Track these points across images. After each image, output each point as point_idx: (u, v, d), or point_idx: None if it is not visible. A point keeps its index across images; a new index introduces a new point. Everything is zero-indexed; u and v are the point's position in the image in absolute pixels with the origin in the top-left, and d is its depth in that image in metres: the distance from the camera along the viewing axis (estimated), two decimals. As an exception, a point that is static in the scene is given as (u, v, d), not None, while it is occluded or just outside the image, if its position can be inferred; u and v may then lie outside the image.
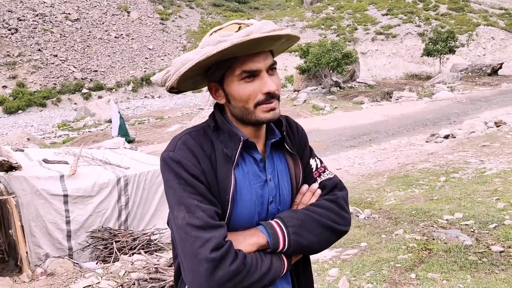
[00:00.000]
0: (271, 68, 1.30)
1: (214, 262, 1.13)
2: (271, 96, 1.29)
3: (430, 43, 36.25)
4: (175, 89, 1.35)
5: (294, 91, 29.98)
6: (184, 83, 1.33)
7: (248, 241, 1.26)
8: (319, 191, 1.44)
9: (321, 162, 1.53)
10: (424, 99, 25.54)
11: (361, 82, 31.31)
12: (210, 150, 1.32)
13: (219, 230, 1.20)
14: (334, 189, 1.46)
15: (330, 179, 1.48)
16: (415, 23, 57.26)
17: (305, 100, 24.30)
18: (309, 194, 1.43)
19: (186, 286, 1.26)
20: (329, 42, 28.65)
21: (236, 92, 1.30)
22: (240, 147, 1.33)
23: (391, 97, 26.72)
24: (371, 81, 32.78)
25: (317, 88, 28.62)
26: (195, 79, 1.36)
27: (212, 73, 1.32)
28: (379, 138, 16.57)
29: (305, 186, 1.45)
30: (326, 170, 1.50)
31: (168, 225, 1.36)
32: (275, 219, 1.34)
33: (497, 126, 15.19)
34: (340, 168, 12.19)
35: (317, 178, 1.47)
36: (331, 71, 27.50)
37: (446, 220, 5.86)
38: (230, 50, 1.19)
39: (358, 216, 6.90)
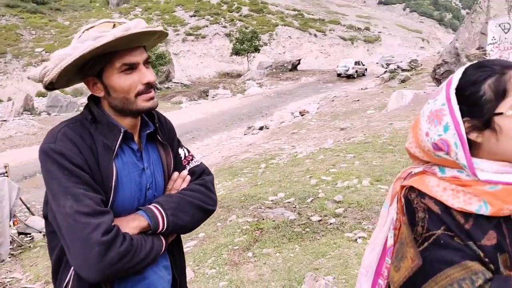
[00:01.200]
0: (147, 62, 1.39)
1: (106, 245, 1.21)
2: (150, 86, 1.39)
3: (237, 43, 38.75)
4: (51, 85, 1.34)
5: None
6: (60, 80, 1.34)
7: (131, 225, 1.35)
8: (188, 177, 1.57)
9: (189, 152, 1.67)
10: (237, 95, 27.22)
11: (177, 82, 31.79)
12: (90, 141, 1.35)
13: (106, 215, 1.27)
14: (202, 174, 1.61)
15: (198, 165, 1.63)
16: (222, 24, 60.42)
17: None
18: (180, 181, 1.55)
19: (70, 274, 1.35)
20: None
21: (117, 84, 1.35)
22: (120, 138, 1.39)
23: (207, 95, 27.76)
24: (187, 81, 33.55)
25: (133, 91, 27.96)
26: (69, 76, 1.37)
27: (89, 67, 1.34)
28: (201, 135, 17.11)
29: (176, 173, 1.57)
30: (193, 158, 1.64)
31: (45, 217, 1.39)
32: (153, 204, 1.44)
33: (302, 115, 17.14)
34: (167, 167, 12.16)
35: (186, 165, 1.60)
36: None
37: (271, 201, 6.40)
38: (112, 44, 1.25)
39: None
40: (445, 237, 1.06)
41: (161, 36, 1.44)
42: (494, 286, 1.01)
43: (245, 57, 39.51)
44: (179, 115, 21.73)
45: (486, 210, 1.04)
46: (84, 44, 1.26)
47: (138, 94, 1.37)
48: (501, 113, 1.07)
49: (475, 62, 1.18)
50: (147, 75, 1.36)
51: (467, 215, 1.06)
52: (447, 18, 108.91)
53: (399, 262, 1.16)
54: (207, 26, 59.84)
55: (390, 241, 1.30)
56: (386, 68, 29.03)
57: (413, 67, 25.54)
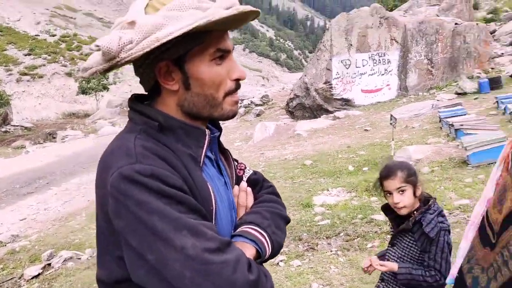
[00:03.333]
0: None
1: (256, 284, 0.93)
2: (238, 86, 1.09)
3: (84, 81, 36.67)
4: (120, 64, 0.97)
5: None
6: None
7: None
8: (250, 189, 1.26)
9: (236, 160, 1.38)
10: (90, 135, 25.54)
11: (17, 125, 28.55)
12: (173, 154, 1.01)
13: (234, 246, 0.97)
14: (264, 181, 1.34)
15: (256, 172, 1.35)
16: (61, 63, 56.66)
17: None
18: (243, 194, 1.24)
19: None
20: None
21: (208, 75, 1.02)
22: (206, 143, 1.07)
23: (54, 138, 25.51)
24: (28, 124, 30.35)
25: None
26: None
27: (168, 49, 0.98)
28: (57, 180, 15.50)
29: (236, 188, 1.25)
30: (246, 166, 1.35)
31: (137, 277, 0.94)
32: (247, 226, 1.12)
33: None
34: (24, 218, 10.74)
35: (243, 176, 1.30)
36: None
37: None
38: (223, 21, 0.96)
39: (80, 258, 6.30)
40: None
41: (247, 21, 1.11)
42: None
43: (93, 96, 37.52)
44: (27, 160, 19.47)
45: None
46: (188, 12, 0.94)
47: (227, 94, 1.05)
48: None
49: None
50: (239, 68, 1.06)
51: None
52: (282, 58, 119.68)
53: (499, 204, 1.35)
54: (44, 65, 55.48)
55: (490, 194, 1.51)
56: (241, 103, 30.40)
57: (265, 102, 27.16)
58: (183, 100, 1.04)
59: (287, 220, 1.26)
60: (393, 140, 8.39)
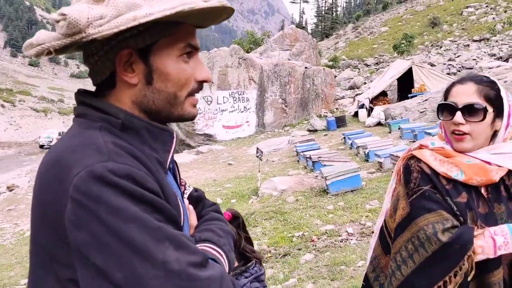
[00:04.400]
0: None
1: None
2: (201, 87, 0.97)
3: None
4: (82, 41, 0.81)
5: None
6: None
7: None
8: (191, 207, 1.12)
9: None
10: None
11: None
12: (142, 155, 0.86)
13: (214, 262, 0.87)
14: (205, 199, 1.21)
15: (197, 190, 1.21)
16: None
17: None
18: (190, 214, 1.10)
19: None
20: None
21: (175, 72, 0.90)
22: (173, 147, 0.94)
23: None
24: None
25: None
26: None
27: (134, 35, 0.85)
28: None
29: (186, 202, 1.11)
30: (185, 181, 1.20)
31: None
32: (205, 244, 0.99)
33: (11, 190, 14.94)
34: None
35: (184, 192, 1.15)
36: None
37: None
38: (201, 11, 0.85)
39: None
40: (430, 192, 1.44)
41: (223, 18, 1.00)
42: (459, 230, 1.37)
43: None
44: None
45: (461, 177, 1.43)
46: None
47: (189, 94, 0.94)
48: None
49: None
50: (205, 69, 0.96)
51: (448, 179, 1.44)
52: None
53: (394, 213, 1.54)
54: None
55: (388, 204, 1.67)
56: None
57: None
58: (141, 96, 0.90)
59: (234, 239, 1.16)
60: (259, 172, 8.70)
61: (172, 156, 0.95)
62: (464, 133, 1.44)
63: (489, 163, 1.44)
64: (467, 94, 1.45)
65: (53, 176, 0.79)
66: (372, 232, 5.64)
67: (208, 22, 0.94)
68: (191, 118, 0.97)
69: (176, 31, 0.88)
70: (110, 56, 0.86)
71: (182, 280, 0.74)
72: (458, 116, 1.44)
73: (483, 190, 1.45)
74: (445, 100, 1.52)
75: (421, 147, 1.56)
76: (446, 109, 1.49)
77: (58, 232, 0.76)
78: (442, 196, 1.42)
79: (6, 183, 15.71)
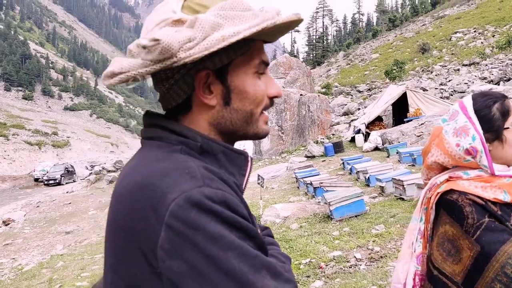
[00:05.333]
0: None
1: None
2: (272, 103, 0.96)
3: None
4: (172, 66, 0.79)
5: None
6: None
7: None
8: None
9: None
10: None
11: None
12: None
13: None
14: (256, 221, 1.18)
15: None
16: None
17: None
18: None
19: None
20: None
21: (252, 89, 0.88)
22: (248, 171, 0.90)
23: None
24: None
25: None
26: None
27: (211, 56, 0.83)
28: None
29: None
30: None
31: None
32: None
33: (6, 224, 14.71)
34: None
35: None
36: None
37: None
38: (277, 27, 0.84)
39: None
40: (491, 223, 1.33)
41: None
42: None
43: None
44: None
45: (508, 198, 1.38)
46: (250, 13, 0.82)
47: (263, 110, 0.92)
48: (507, 128, 1.45)
49: (478, 92, 1.59)
50: (276, 85, 0.94)
51: (495, 203, 1.37)
52: (132, 124, 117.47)
53: (456, 255, 1.37)
54: None
55: (418, 250, 1.52)
56: (91, 170, 28.50)
57: (118, 168, 25.99)
58: (219, 117, 0.88)
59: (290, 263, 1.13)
60: (261, 199, 8.64)
61: (247, 180, 0.92)
62: None
63: None
64: None
65: (143, 201, 0.75)
66: (381, 257, 5.58)
67: (277, 36, 0.93)
68: (265, 135, 0.95)
69: (250, 48, 0.87)
70: (188, 79, 0.84)
71: None
72: None
73: None
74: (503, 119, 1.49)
75: (449, 179, 1.47)
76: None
77: (148, 261, 0.73)
78: (503, 223, 1.34)
79: (2, 218, 15.48)
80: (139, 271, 0.74)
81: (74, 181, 32.30)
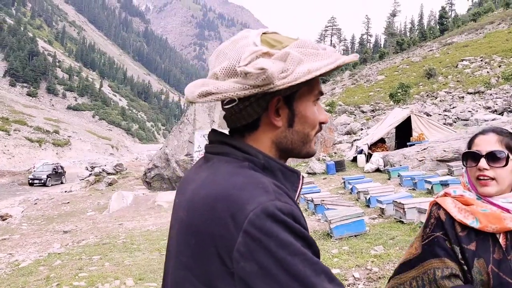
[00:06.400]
0: None
1: None
2: (321, 128, 1.10)
3: None
4: (266, 92, 0.93)
5: None
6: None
7: None
8: None
9: None
10: None
11: None
12: None
13: None
14: None
15: None
16: None
17: None
18: None
19: None
20: None
21: (311, 115, 1.02)
22: (300, 187, 1.01)
23: None
24: None
25: None
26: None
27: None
28: None
29: None
30: None
31: None
32: None
33: (4, 219, 14.72)
34: None
35: None
36: None
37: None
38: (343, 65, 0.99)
39: None
40: (440, 239, 1.57)
41: None
42: (457, 287, 1.50)
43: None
44: None
45: (476, 224, 1.54)
46: (324, 52, 0.96)
47: (315, 133, 1.08)
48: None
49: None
50: (325, 112, 1.08)
51: (463, 226, 1.56)
52: (134, 128, 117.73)
53: (408, 248, 1.70)
54: None
55: None
56: (91, 171, 28.51)
57: (118, 171, 26.01)
58: (282, 137, 1.01)
59: None
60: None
61: (299, 195, 1.03)
62: (489, 178, 1.55)
63: (507, 210, 1.53)
64: (490, 143, 1.58)
65: (223, 210, 0.86)
66: (379, 278, 5.62)
67: (334, 71, 1.07)
68: (314, 154, 1.09)
69: (313, 80, 1.00)
70: (262, 102, 0.96)
71: None
72: (483, 162, 1.56)
73: (501, 238, 1.52)
74: (469, 149, 1.66)
75: (445, 194, 1.69)
76: (470, 157, 1.62)
77: (223, 262, 0.84)
78: (450, 244, 1.55)
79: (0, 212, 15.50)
80: (214, 270, 0.85)
81: (62, 182, 31.43)
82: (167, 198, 14.65)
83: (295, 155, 1.05)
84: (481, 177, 1.56)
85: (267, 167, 0.96)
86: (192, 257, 0.90)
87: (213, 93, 0.92)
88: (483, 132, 1.66)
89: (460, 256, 1.52)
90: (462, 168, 1.70)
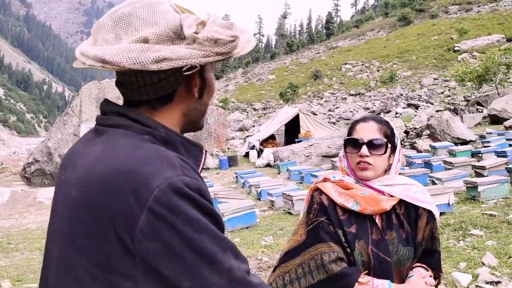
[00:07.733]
0: None
1: None
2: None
3: None
4: (220, 59, 0.88)
5: None
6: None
7: None
8: None
9: None
10: None
11: None
12: None
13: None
14: None
15: None
16: None
17: None
18: None
19: None
20: None
21: (214, 85, 1.00)
22: (202, 162, 0.96)
23: None
24: None
25: None
26: None
27: None
28: None
29: None
30: None
31: None
32: None
33: None
34: None
35: None
36: None
37: None
38: None
39: None
40: (325, 223, 1.64)
41: None
42: (347, 270, 1.57)
43: None
44: None
45: (356, 207, 1.64)
46: (243, 30, 0.93)
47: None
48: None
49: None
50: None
51: (344, 209, 1.65)
52: (11, 120, 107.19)
53: (292, 236, 1.74)
54: None
55: None
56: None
57: (-9, 166, 23.53)
58: (192, 108, 0.97)
59: None
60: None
61: (201, 171, 0.98)
62: (369, 164, 1.65)
63: (382, 192, 1.64)
64: (370, 131, 1.67)
65: (123, 186, 0.78)
66: (269, 267, 5.87)
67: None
68: (201, 128, 1.06)
69: None
70: (180, 74, 0.88)
71: (242, 286, 0.83)
72: (364, 150, 1.64)
73: (377, 219, 1.63)
74: (350, 135, 1.72)
75: (325, 179, 1.73)
76: (352, 143, 1.69)
77: (122, 242, 0.77)
78: (334, 228, 1.60)
79: None
80: (111, 251, 0.78)
81: None
82: (49, 194, 13.62)
83: (194, 129, 1.02)
84: (362, 163, 1.64)
85: (168, 141, 0.90)
86: (87, 239, 0.81)
87: (169, 59, 0.83)
88: (364, 119, 1.74)
89: (343, 239, 1.58)
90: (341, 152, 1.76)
